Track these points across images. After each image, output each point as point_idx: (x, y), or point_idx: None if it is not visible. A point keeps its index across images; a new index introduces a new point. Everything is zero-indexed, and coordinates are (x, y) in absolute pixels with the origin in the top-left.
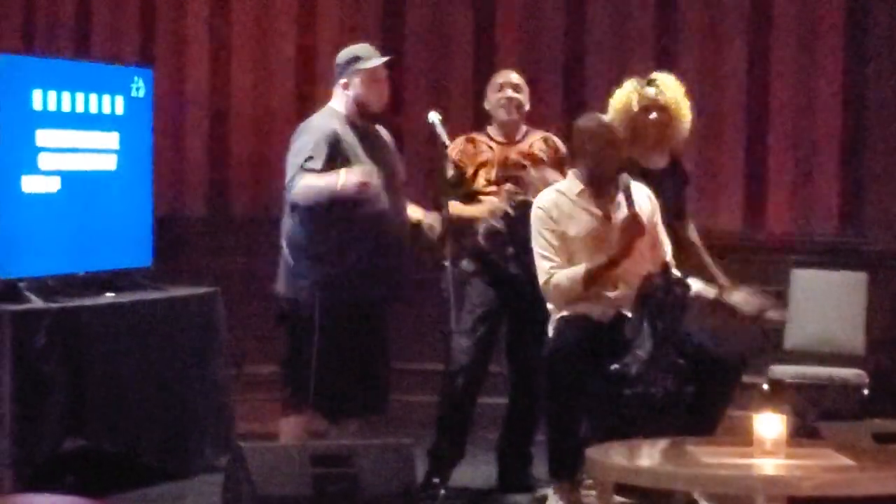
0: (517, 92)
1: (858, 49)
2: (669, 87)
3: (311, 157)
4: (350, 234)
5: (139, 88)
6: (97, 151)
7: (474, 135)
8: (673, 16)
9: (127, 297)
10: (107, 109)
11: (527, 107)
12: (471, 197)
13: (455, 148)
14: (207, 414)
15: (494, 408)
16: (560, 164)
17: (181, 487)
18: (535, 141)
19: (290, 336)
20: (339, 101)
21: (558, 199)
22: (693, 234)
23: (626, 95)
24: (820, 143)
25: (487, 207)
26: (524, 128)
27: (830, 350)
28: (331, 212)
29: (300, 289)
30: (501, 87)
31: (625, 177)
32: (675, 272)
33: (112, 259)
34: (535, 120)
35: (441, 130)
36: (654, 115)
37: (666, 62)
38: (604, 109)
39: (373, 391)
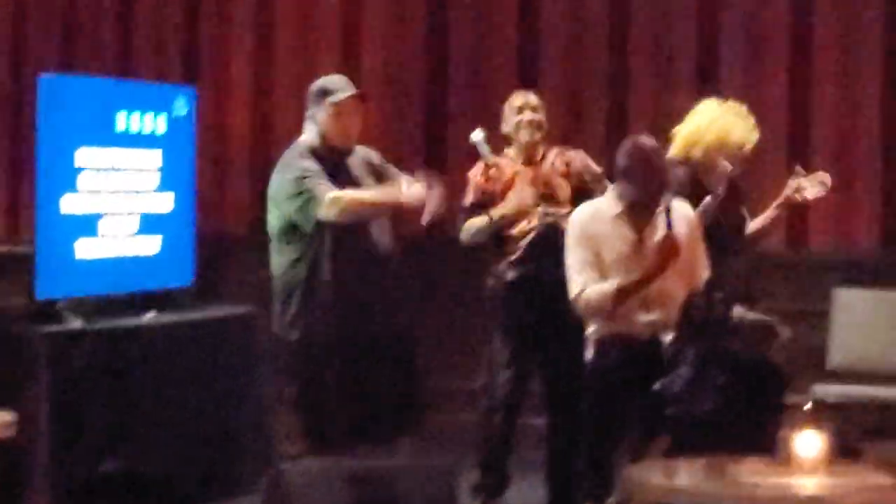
0: (537, 113)
1: None
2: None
3: (313, 172)
4: (336, 268)
5: (182, 107)
6: (139, 170)
7: (495, 158)
8: (716, 36)
9: (167, 317)
10: (149, 128)
11: (546, 127)
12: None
13: (477, 174)
14: (247, 435)
15: (537, 428)
16: (570, 177)
17: None
18: (554, 159)
19: (295, 378)
20: (308, 134)
21: (596, 216)
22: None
23: (728, 128)
24: (861, 161)
25: (504, 207)
26: (542, 148)
27: (873, 369)
28: (316, 243)
29: (296, 327)
30: (521, 110)
31: (667, 196)
32: (717, 293)
33: (153, 278)
34: (577, 136)
35: (485, 150)
36: (746, 148)
37: (707, 84)
38: (642, 127)
39: (399, 413)
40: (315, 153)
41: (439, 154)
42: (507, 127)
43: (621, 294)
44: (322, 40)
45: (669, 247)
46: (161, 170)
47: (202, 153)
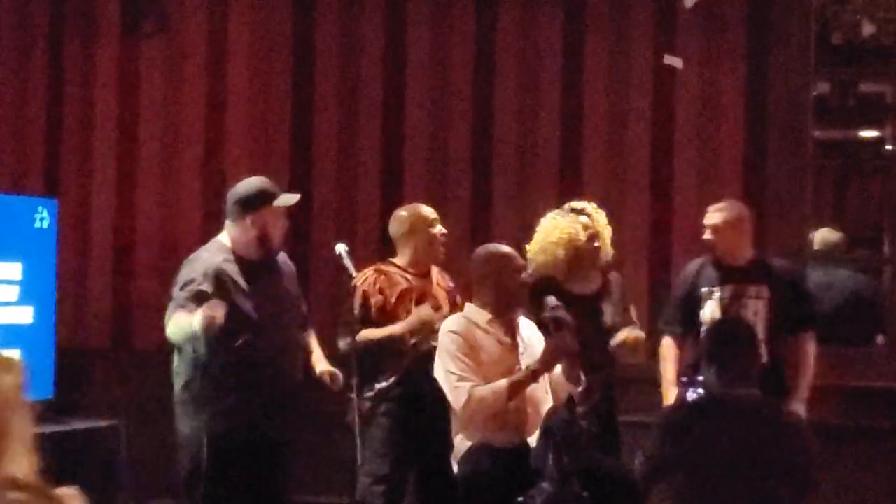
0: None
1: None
2: (597, 214)
3: (191, 282)
4: (232, 372)
5: (43, 219)
6: None
7: (382, 266)
8: (576, 168)
9: None
10: (9, 240)
11: None
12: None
13: (366, 279)
14: None
15: None
16: (452, 296)
17: None
18: (437, 276)
19: (183, 471)
20: (233, 235)
21: (471, 325)
22: None
23: (568, 227)
24: None
25: (408, 323)
26: None
27: None
28: (211, 350)
29: (187, 426)
30: (434, 223)
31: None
32: (580, 407)
33: None
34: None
35: (348, 262)
36: (596, 244)
37: (569, 194)
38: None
39: None
40: (235, 254)
41: (307, 263)
42: (413, 238)
43: (513, 388)
44: (185, 154)
45: (564, 344)
46: (21, 282)
47: (63, 265)
